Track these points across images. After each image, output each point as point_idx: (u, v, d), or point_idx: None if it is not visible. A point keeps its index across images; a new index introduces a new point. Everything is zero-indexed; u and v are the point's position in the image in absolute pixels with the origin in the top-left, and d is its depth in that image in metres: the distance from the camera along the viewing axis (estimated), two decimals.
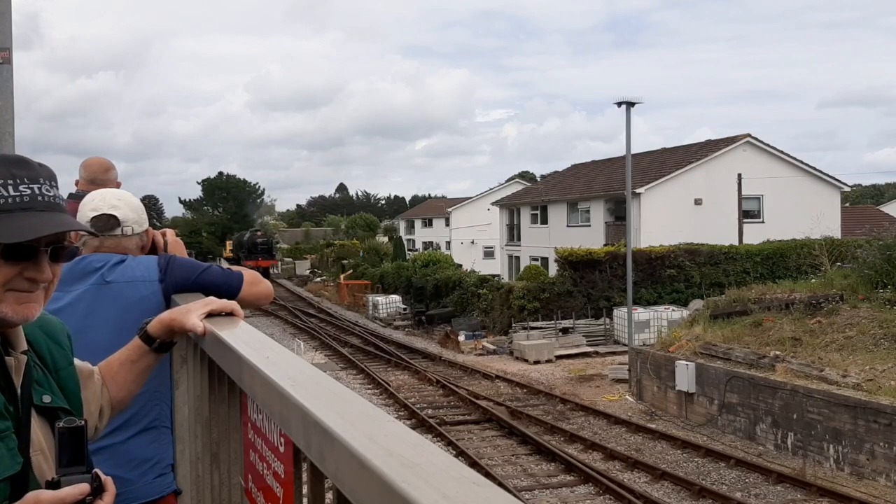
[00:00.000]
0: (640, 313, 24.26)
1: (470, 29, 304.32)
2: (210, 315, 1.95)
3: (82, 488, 1.38)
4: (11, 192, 1.41)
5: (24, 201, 1.42)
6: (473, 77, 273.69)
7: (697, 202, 33.57)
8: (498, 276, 40.34)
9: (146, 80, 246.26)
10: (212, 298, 2.04)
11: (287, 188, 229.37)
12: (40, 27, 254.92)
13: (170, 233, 2.89)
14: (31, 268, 1.43)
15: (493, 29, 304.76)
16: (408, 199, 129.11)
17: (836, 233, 30.55)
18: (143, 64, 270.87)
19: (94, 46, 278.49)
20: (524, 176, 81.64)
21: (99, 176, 3.89)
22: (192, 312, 1.93)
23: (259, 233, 60.33)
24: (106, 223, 2.49)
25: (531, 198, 43.72)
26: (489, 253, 59.85)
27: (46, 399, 1.52)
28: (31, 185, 1.44)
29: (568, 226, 38.51)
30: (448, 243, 67.29)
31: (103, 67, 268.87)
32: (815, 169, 35.93)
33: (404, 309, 36.14)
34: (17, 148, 4.46)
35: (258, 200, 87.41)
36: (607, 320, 27.26)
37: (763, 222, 33.94)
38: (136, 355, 1.93)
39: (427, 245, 69.96)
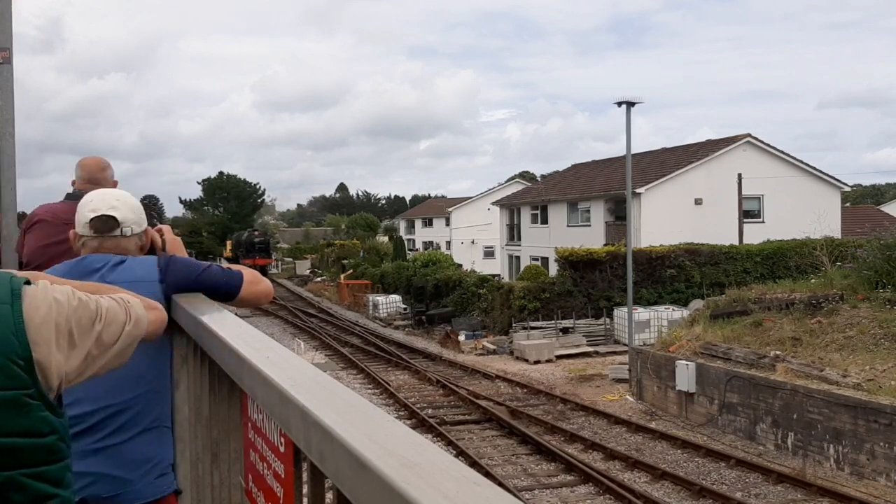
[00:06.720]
0: (641, 313, 24.25)
1: (474, 30, 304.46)
2: None
3: None
4: None
5: None
6: (478, 78, 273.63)
7: (698, 202, 33.55)
8: (498, 275, 40.32)
9: (153, 80, 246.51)
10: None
11: (290, 188, 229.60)
12: (62, 31, 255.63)
13: (166, 229, 2.83)
14: None
15: (497, 30, 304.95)
16: (408, 198, 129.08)
17: (837, 233, 30.53)
18: (150, 65, 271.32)
19: (105, 48, 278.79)
20: (525, 176, 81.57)
21: (96, 175, 3.85)
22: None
23: (257, 232, 61.44)
24: (105, 224, 2.48)
25: (531, 198, 43.68)
26: (489, 253, 59.81)
27: None
28: None
29: (568, 226, 38.48)
30: (448, 243, 67.24)
31: (114, 69, 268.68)
32: (815, 169, 35.90)
33: (404, 309, 36.15)
34: (21, 148, 4.45)
35: (258, 201, 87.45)
36: (607, 320, 27.26)
37: (763, 222, 33.92)
38: None
39: (427, 245, 69.94)
